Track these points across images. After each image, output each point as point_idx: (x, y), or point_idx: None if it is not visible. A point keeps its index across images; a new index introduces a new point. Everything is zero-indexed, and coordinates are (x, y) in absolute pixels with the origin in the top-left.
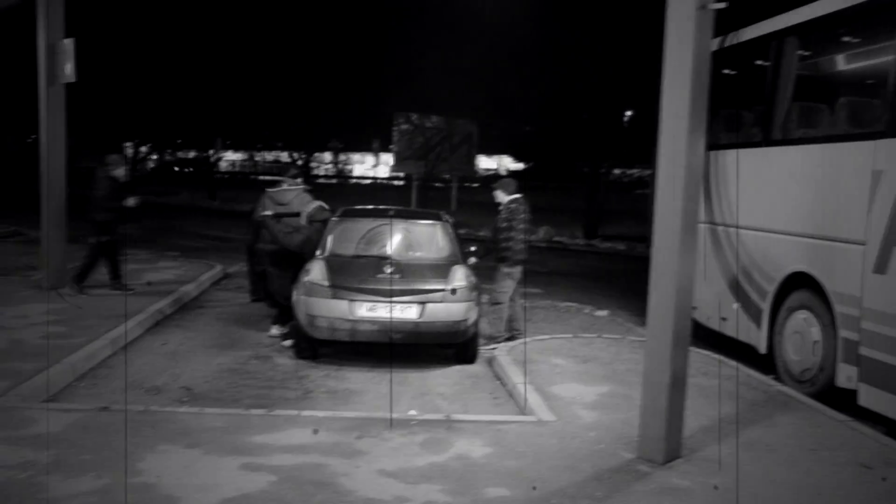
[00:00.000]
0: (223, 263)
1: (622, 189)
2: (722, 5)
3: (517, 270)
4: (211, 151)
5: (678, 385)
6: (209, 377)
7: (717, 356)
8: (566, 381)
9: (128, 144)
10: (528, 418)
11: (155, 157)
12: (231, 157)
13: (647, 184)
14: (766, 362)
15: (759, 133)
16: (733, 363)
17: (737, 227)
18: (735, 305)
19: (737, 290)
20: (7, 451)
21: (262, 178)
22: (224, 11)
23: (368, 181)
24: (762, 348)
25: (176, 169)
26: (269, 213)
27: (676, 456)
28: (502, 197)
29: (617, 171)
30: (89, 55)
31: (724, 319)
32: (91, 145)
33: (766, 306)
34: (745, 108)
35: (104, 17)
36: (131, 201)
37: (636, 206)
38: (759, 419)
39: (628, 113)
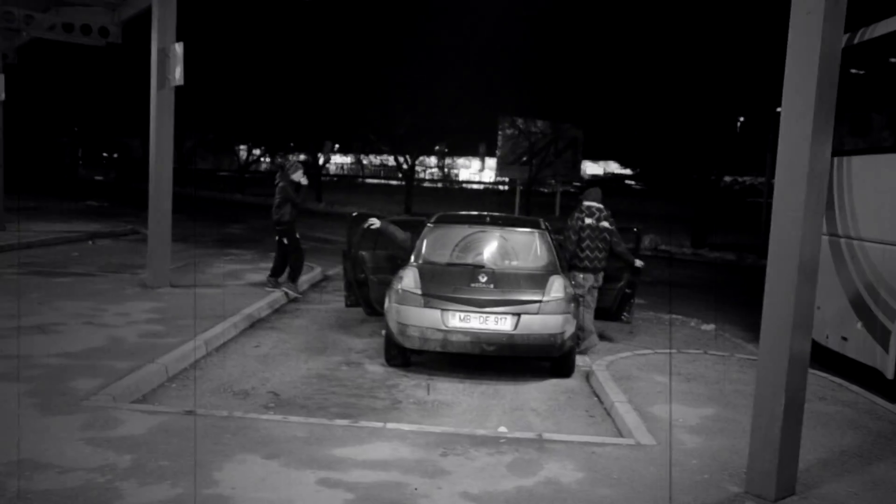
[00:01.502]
0: (323, 265)
1: (733, 197)
2: None
3: (588, 277)
4: (320, 154)
5: (794, 412)
6: (298, 382)
7: (836, 380)
8: (668, 402)
9: (241, 147)
10: (626, 441)
11: (267, 159)
12: (339, 160)
13: (760, 192)
14: (892, 388)
15: (890, 137)
16: (855, 388)
17: (862, 239)
18: (858, 325)
19: (860, 307)
20: (90, 453)
21: (368, 181)
22: (335, 17)
23: (474, 186)
24: (889, 373)
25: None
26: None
27: (790, 493)
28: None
29: (728, 179)
30: (207, 60)
31: (844, 339)
32: (209, 147)
33: (894, 327)
34: (876, 110)
35: (220, 22)
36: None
37: (747, 214)
38: (885, 455)
39: (741, 118)
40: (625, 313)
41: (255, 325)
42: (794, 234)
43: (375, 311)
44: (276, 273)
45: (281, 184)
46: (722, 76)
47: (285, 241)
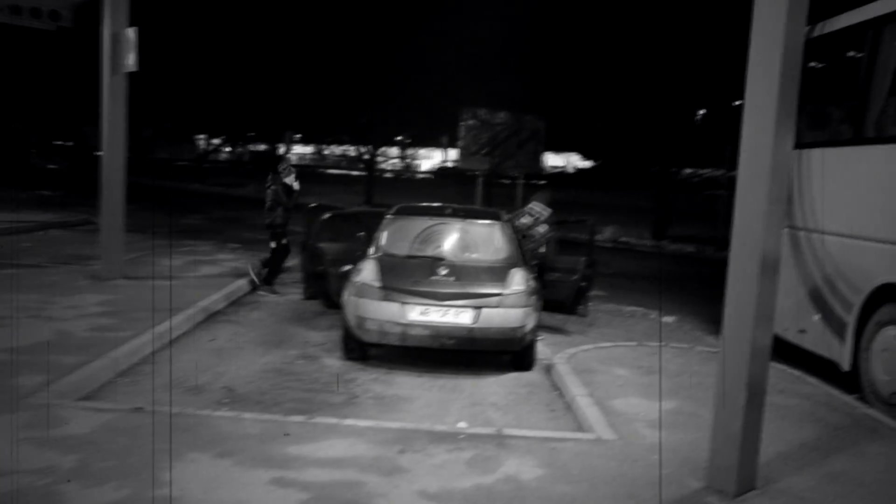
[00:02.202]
0: None
1: (692, 189)
2: None
3: None
4: (280, 144)
5: (755, 407)
6: (253, 377)
7: (795, 372)
8: (629, 395)
9: (200, 137)
10: (586, 436)
11: (227, 149)
12: (300, 150)
13: (719, 184)
14: (848, 380)
15: (849, 130)
16: (813, 380)
17: (820, 232)
18: (816, 317)
19: (818, 300)
20: (32, 454)
21: (329, 171)
22: (296, 4)
23: (434, 176)
24: (845, 365)
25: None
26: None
27: (751, 487)
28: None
29: (687, 171)
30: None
31: (802, 332)
32: (167, 136)
33: (851, 319)
34: (834, 103)
35: (181, 9)
36: (294, 183)
37: (706, 207)
38: (844, 447)
39: (700, 111)
40: (580, 306)
41: (211, 317)
42: (756, 227)
43: (335, 303)
44: (269, 279)
45: (272, 186)
46: (682, 69)
47: (272, 244)
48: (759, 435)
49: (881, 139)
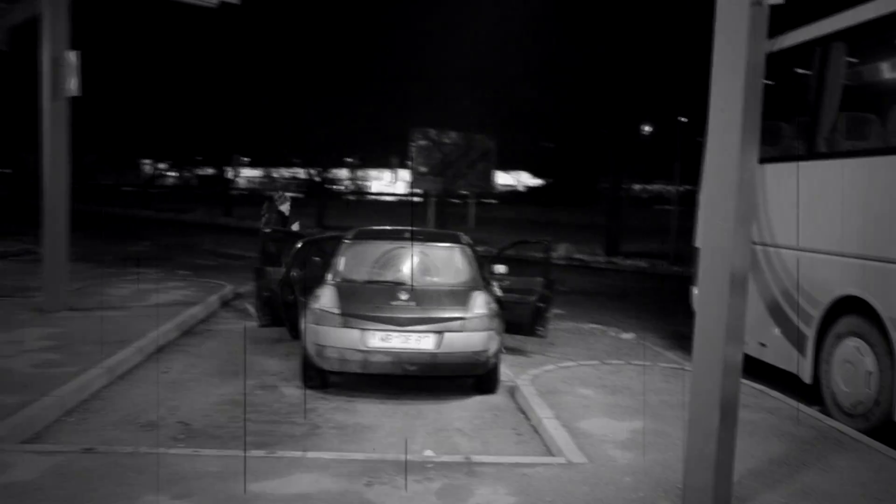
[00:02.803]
0: (234, 283)
1: (642, 205)
2: (780, 0)
3: None
4: (228, 168)
5: (728, 425)
6: (210, 410)
7: (757, 386)
8: (595, 416)
9: (146, 161)
10: (556, 460)
11: (174, 173)
12: (249, 173)
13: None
14: (809, 392)
15: (802, 146)
16: (776, 394)
17: (778, 246)
18: (776, 331)
19: (777, 314)
20: None
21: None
22: (242, 29)
23: (387, 198)
24: (807, 378)
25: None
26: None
27: None
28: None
29: (637, 187)
30: (107, 71)
31: (762, 345)
32: (110, 162)
33: (811, 332)
34: (787, 119)
35: (122, 34)
36: (296, 226)
37: (657, 221)
38: (812, 461)
39: (647, 128)
40: (539, 327)
41: (163, 349)
42: (725, 245)
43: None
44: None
45: (266, 215)
46: (628, 86)
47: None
48: (732, 454)
49: (834, 154)
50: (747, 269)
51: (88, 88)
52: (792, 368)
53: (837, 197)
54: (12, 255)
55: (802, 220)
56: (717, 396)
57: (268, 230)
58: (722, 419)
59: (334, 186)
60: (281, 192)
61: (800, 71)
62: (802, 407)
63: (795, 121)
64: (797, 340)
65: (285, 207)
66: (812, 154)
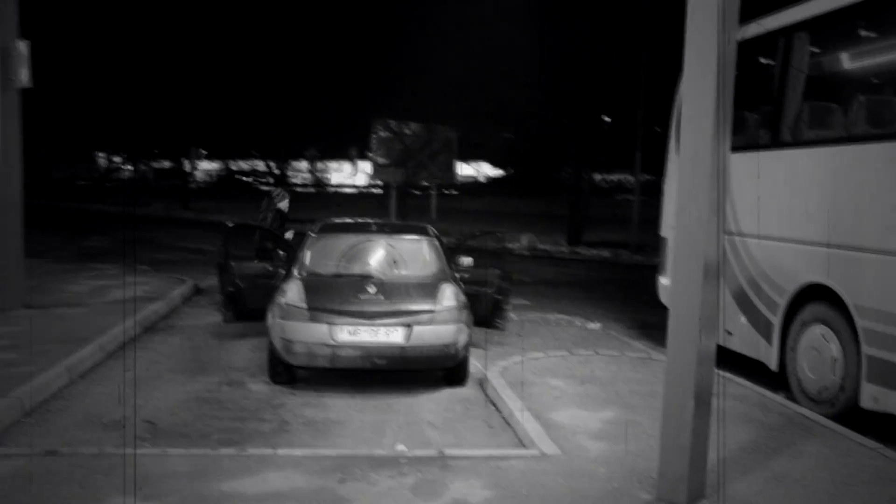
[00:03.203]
0: (195, 277)
1: (603, 194)
2: None
3: None
4: (185, 161)
5: (702, 414)
6: (176, 408)
7: (724, 374)
8: (566, 407)
9: (101, 154)
10: (530, 452)
11: (129, 167)
12: (206, 166)
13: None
14: (775, 379)
15: (766, 135)
16: (742, 381)
17: (743, 235)
18: (742, 319)
19: (743, 302)
20: None
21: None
22: (199, 18)
23: (347, 190)
24: (773, 365)
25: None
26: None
27: (701, 496)
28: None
29: (598, 177)
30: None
31: (728, 333)
32: (64, 156)
33: (776, 320)
34: (750, 109)
35: (76, 23)
36: (289, 234)
37: (618, 211)
38: (781, 447)
39: (607, 119)
40: (497, 320)
41: (125, 346)
42: (698, 234)
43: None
44: None
45: (263, 213)
46: (587, 75)
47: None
48: (706, 443)
49: (798, 143)
50: (720, 258)
51: (39, 80)
52: (758, 356)
53: (802, 186)
54: None
55: (767, 208)
56: (691, 386)
57: (230, 224)
58: (696, 409)
59: (294, 179)
60: (279, 190)
61: (764, 61)
62: (769, 393)
63: (760, 110)
64: (763, 328)
65: (284, 205)
66: (776, 143)
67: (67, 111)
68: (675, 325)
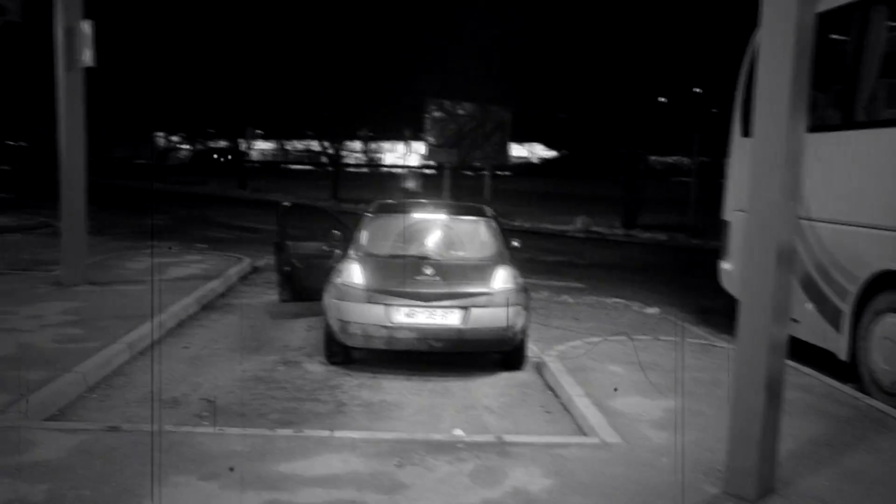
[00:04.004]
0: (251, 256)
1: (659, 176)
2: None
3: None
4: (241, 141)
5: (773, 406)
6: (233, 387)
7: (790, 363)
8: (627, 394)
9: (160, 134)
10: (590, 440)
11: (187, 146)
12: (262, 146)
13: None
14: (844, 370)
15: (839, 115)
16: (808, 370)
17: (812, 219)
18: (809, 306)
19: (811, 289)
20: None
21: (292, 167)
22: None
23: (400, 170)
24: (843, 355)
25: (215, 157)
26: None
27: (770, 490)
28: None
29: (653, 158)
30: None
31: (795, 321)
32: (124, 135)
33: (847, 308)
34: (824, 86)
35: (137, 5)
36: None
37: (673, 193)
38: (855, 442)
39: (663, 98)
40: None
41: (184, 323)
42: (771, 219)
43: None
44: None
45: None
46: (645, 55)
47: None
48: (777, 436)
49: (873, 123)
50: (794, 243)
51: (103, 60)
52: (827, 345)
53: (877, 168)
54: (30, 228)
55: (839, 192)
56: (762, 376)
57: (286, 203)
58: (767, 399)
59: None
60: (409, 170)
61: (837, 37)
62: (838, 385)
63: (832, 89)
64: (832, 317)
65: (411, 184)
66: (850, 123)
67: (130, 91)
68: (746, 312)
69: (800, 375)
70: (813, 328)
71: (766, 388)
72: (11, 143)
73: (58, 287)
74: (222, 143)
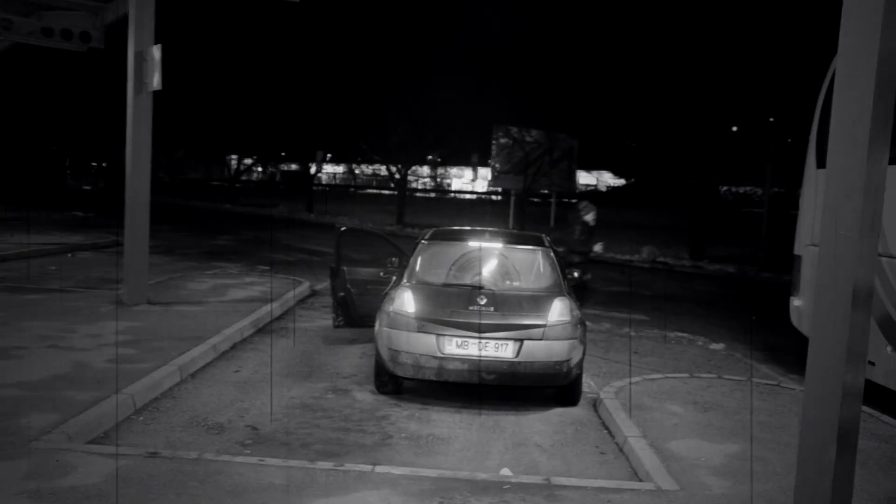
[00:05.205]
0: (311, 279)
1: (728, 207)
2: None
3: None
4: (311, 164)
5: (846, 459)
6: (279, 414)
7: (866, 409)
8: (686, 436)
9: (233, 157)
10: (645, 486)
11: (259, 169)
12: (331, 169)
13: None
14: None
15: None
16: (888, 419)
17: (891, 256)
18: (888, 348)
19: (890, 329)
20: None
21: (360, 191)
22: (327, 24)
23: (467, 196)
24: None
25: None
26: None
27: None
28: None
29: (722, 189)
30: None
31: (871, 364)
32: (200, 157)
33: None
34: None
35: (209, 28)
36: (598, 247)
37: (743, 225)
38: None
39: (734, 128)
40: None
41: (237, 346)
42: (847, 256)
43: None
44: None
45: (571, 227)
46: (716, 84)
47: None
48: (850, 493)
49: None
50: (872, 282)
51: (178, 85)
52: None
53: None
54: (102, 246)
55: None
56: (834, 425)
57: (343, 228)
58: (839, 451)
59: (413, 183)
60: (586, 203)
61: None
62: None
63: None
64: None
65: (590, 217)
66: None
67: (205, 115)
68: (817, 355)
69: (876, 423)
70: (891, 372)
71: (839, 438)
72: (94, 164)
73: (119, 306)
74: (294, 167)
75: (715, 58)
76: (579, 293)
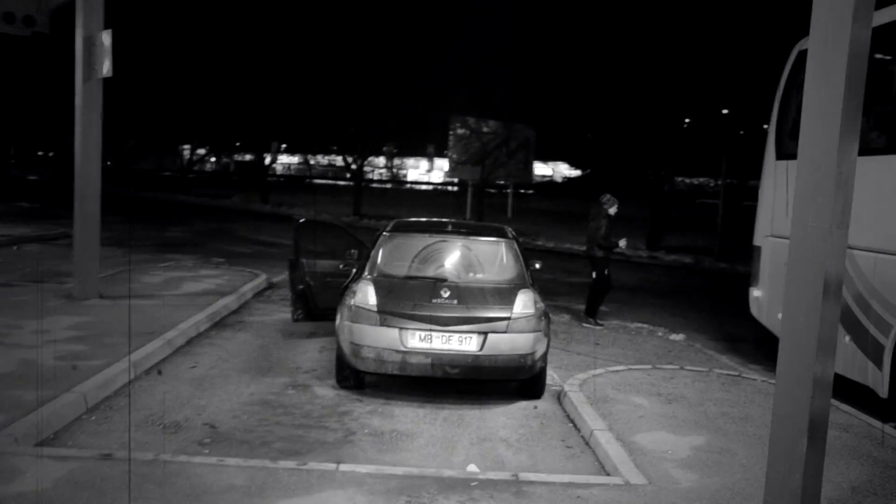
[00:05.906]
0: (269, 272)
1: (682, 198)
2: None
3: None
4: (266, 154)
5: (816, 451)
6: (238, 411)
7: None
8: (652, 428)
9: (185, 147)
10: (613, 480)
11: (213, 159)
12: (286, 160)
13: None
14: (883, 407)
15: (883, 138)
16: (846, 408)
17: (851, 247)
18: (846, 338)
19: (849, 321)
20: None
21: (316, 181)
22: (280, 15)
23: (423, 186)
24: (882, 392)
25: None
26: None
27: None
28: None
29: (678, 180)
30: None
31: None
32: (151, 147)
33: (888, 343)
34: (866, 109)
35: (160, 14)
36: (623, 243)
37: (698, 215)
38: None
39: (687, 120)
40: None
41: (193, 341)
42: (818, 249)
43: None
44: (590, 311)
45: (595, 221)
46: (672, 76)
47: (593, 274)
48: (820, 483)
49: None
50: (842, 275)
51: (129, 72)
52: (864, 381)
53: None
54: (50, 238)
55: (883, 219)
56: (804, 418)
57: (301, 220)
58: (810, 444)
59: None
60: (608, 196)
61: (881, 56)
62: (878, 424)
63: (875, 111)
64: (872, 351)
65: (613, 210)
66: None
67: (156, 104)
68: (789, 348)
69: (835, 412)
70: (850, 362)
71: (810, 431)
72: (40, 153)
73: (69, 300)
74: (247, 157)
75: (669, 50)
76: (599, 289)
